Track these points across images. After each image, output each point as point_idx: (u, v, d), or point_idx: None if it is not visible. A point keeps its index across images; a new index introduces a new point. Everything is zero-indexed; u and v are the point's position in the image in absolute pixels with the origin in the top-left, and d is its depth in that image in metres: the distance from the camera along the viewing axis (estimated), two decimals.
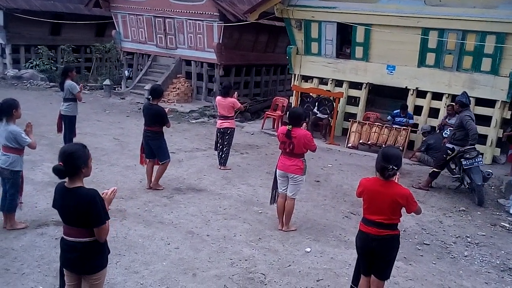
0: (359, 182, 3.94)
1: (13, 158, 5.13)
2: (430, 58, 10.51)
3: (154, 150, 6.80)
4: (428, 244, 5.82)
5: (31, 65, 18.22)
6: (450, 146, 7.80)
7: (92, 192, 3.05)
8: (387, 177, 3.68)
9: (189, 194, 6.88)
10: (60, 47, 19.11)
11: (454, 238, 6.08)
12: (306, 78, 12.41)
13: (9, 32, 18.25)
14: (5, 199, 5.22)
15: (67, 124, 8.08)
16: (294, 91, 12.07)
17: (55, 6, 18.96)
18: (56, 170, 2.99)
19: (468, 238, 6.10)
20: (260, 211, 6.39)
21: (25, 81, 16.85)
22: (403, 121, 10.57)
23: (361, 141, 10.59)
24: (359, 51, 11.34)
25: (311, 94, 11.83)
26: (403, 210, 3.77)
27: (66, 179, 3.07)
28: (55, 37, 19.63)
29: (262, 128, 12.16)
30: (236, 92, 8.53)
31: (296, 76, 12.36)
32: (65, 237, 3.14)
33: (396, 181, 3.75)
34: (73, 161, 3.02)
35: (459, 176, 7.95)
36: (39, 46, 18.47)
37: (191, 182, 7.44)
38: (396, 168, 3.64)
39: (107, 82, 16.01)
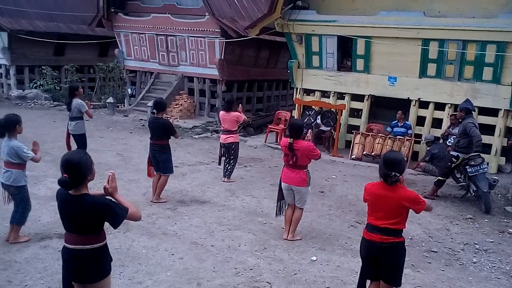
0: (364, 187, 3.90)
1: (16, 174, 5.13)
2: (431, 68, 10.54)
3: (160, 163, 6.81)
4: (436, 252, 5.74)
5: (35, 85, 18.40)
6: (455, 153, 7.76)
7: (99, 199, 3.00)
8: (390, 184, 3.62)
9: (192, 206, 6.84)
10: (64, 67, 19.34)
11: (462, 245, 6.00)
12: (308, 92, 12.44)
13: (14, 53, 18.49)
14: (16, 212, 5.22)
15: (79, 143, 8.06)
16: (297, 104, 12.10)
17: (59, 27, 19.24)
18: (62, 183, 2.91)
19: (476, 245, 6.02)
20: (264, 222, 6.33)
21: (29, 101, 16.99)
22: (403, 131, 10.57)
23: (364, 152, 10.57)
24: (360, 63, 11.39)
25: (313, 107, 11.86)
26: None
27: None
28: (59, 57, 19.85)
29: (265, 142, 12.16)
30: (240, 105, 8.57)
31: (298, 89, 12.40)
32: (67, 245, 3.07)
33: (402, 181, 3.68)
34: (78, 171, 2.94)
35: (465, 184, 7.88)
36: (43, 67, 18.68)
37: (194, 195, 7.41)
38: (398, 175, 3.58)
39: (110, 100, 16.12)
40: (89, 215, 2.96)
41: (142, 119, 14.61)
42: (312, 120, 11.57)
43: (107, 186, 3.06)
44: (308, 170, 5.60)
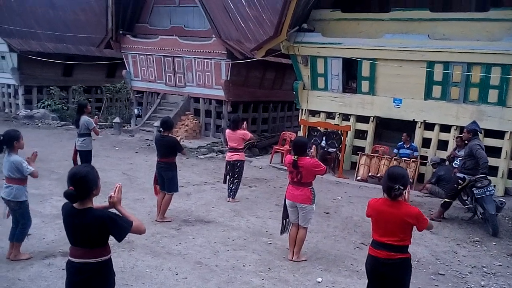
0: (368, 203, 3.88)
1: (16, 190, 5.14)
2: (436, 90, 10.58)
3: (166, 181, 6.82)
4: (443, 274, 5.65)
5: (43, 105, 18.61)
6: (461, 175, 7.71)
7: (104, 212, 3.01)
8: (393, 197, 3.61)
9: (197, 225, 6.81)
10: (72, 87, 19.60)
11: (469, 268, 5.91)
12: (313, 113, 12.49)
13: (23, 73, 18.79)
14: (15, 229, 5.21)
15: (83, 158, 8.15)
16: (302, 125, 12.14)
17: (68, 49, 19.59)
18: (68, 195, 2.95)
19: (484, 268, 5.92)
20: (269, 242, 6.28)
21: (36, 121, 17.16)
22: (409, 153, 10.55)
23: (370, 174, 10.54)
24: (365, 85, 11.46)
25: (318, 128, 11.88)
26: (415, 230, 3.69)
27: None
28: (67, 78, 20.16)
29: (270, 163, 12.15)
30: (245, 123, 8.62)
31: (303, 110, 12.46)
32: (72, 259, 3.07)
33: (406, 198, 3.68)
34: (85, 185, 2.98)
35: (472, 206, 7.80)
36: (51, 87, 18.94)
37: (199, 214, 7.38)
38: (402, 188, 3.58)
39: (116, 119, 16.25)
40: (93, 229, 2.97)
41: (148, 139, 14.69)
42: (318, 141, 11.58)
43: (113, 195, 3.07)
44: (313, 188, 5.58)
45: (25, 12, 19.26)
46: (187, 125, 15.36)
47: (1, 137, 5.10)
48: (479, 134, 7.96)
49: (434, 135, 10.81)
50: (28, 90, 19.36)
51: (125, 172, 10.05)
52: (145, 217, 7.04)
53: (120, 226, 2.98)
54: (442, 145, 10.77)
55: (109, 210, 3.09)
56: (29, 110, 18.32)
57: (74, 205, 3.02)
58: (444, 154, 10.44)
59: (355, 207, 8.46)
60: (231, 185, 8.27)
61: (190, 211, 7.54)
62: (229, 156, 8.31)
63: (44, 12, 20.04)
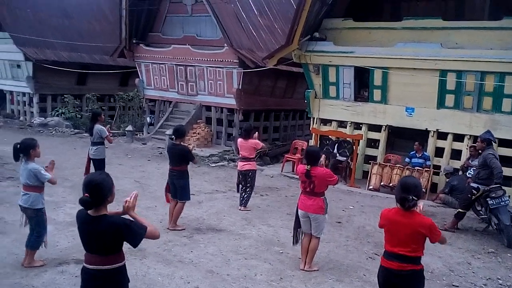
0: (380, 213, 3.86)
1: (34, 197, 5.20)
2: (450, 99, 10.50)
3: (177, 189, 6.85)
4: (457, 286, 5.57)
5: (57, 113, 18.86)
6: (475, 185, 7.63)
7: (118, 219, 3.05)
8: (407, 208, 3.59)
9: (209, 234, 6.82)
10: (85, 96, 19.83)
11: (484, 280, 5.82)
12: (324, 121, 12.48)
13: (38, 82, 19.08)
14: (32, 236, 5.26)
15: (97, 167, 8.24)
16: (313, 134, 12.13)
17: (82, 57, 19.88)
18: (84, 202, 3.00)
19: (499, 280, 5.83)
20: (281, 251, 6.26)
21: (50, 128, 17.38)
22: (421, 162, 10.46)
23: (382, 183, 10.47)
24: (377, 94, 11.43)
25: (330, 136, 11.86)
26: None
27: None
28: (81, 86, 20.44)
29: (281, 171, 12.14)
30: (257, 132, 8.64)
31: (315, 119, 12.45)
32: (86, 265, 3.12)
33: (421, 209, 3.65)
34: (100, 192, 3.03)
35: (486, 217, 7.70)
36: (65, 95, 19.20)
37: (211, 223, 7.39)
38: (416, 199, 3.56)
39: (129, 128, 16.40)
40: (108, 235, 3.01)
41: (160, 147, 14.79)
42: (331, 150, 11.55)
43: (129, 200, 3.11)
44: (325, 198, 5.56)
45: (41, 22, 19.62)
46: (198, 134, 15.44)
47: (18, 146, 5.17)
48: (493, 143, 7.88)
49: (447, 144, 10.71)
50: (42, 98, 19.65)
51: (138, 180, 10.13)
52: (157, 225, 7.04)
53: (135, 232, 3.02)
54: (455, 154, 10.67)
55: (123, 216, 3.12)
56: (43, 118, 18.60)
57: (89, 212, 3.07)
58: (457, 164, 10.34)
59: (367, 216, 8.40)
60: (243, 193, 8.28)
61: (202, 219, 7.56)
62: (241, 165, 8.32)
63: (60, 22, 20.39)
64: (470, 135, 10.29)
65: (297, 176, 5.77)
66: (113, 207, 3.31)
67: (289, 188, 10.34)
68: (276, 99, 16.63)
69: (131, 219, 3.09)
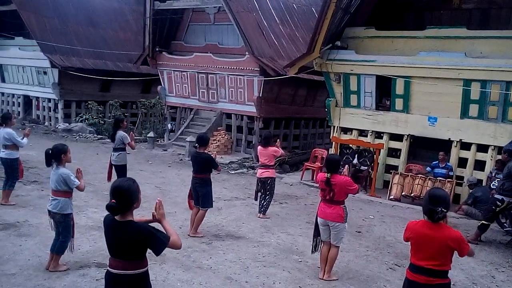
0: (406, 226, 3.80)
1: (63, 202, 5.30)
2: (473, 109, 10.33)
3: (200, 196, 6.89)
4: None
5: (81, 119, 19.25)
6: (499, 197, 7.46)
7: (143, 226, 3.09)
8: (436, 220, 3.52)
9: (228, 241, 6.84)
10: (109, 102, 20.23)
11: None
12: (345, 130, 12.41)
13: (63, 88, 19.54)
14: (57, 241, 5.36)
15: (118, 173, 8.35)
16: (334, 142, 12.07)
17: (106, 65, 20.30)
18: (110, 208, 3.05)
19: None
20: (300, 260, 6.23)
21: (74, 134, 17.74)
22: (444, 172, 10.29)
23: (403, 193, 10.33)
24: (399, 103, 11.32)
25: (350, 145, 11.79)
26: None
27: None
28: (104, 93, 20.84)
29: (301, 180, 12.11)
30: (278, 140, 8.65)
31: (335, 127, 12.40)
32: (111, 269, 3.16)
33: (446, 221, 3.59)
34: (126, 198, 3.08)
35: (510, 229, 7.52)
36: (89, 102, 19.60)
37: (230, 230, 7.41)
38: (445, 211, 3.50)
39: (150, 134, 16.62)
40: (133, 241, 3.06)
41: (180, 154, 14.93)
42: (351, 159, 11.47)
43: (155, 214, 3.17)
44: (345, 206, 5.53)
45: (67, 30, 20.11)
46: (218, 141, 15.53)
47: (50, 151, 5.28)
48: None
49: (470, 155, 10.52)
50: (67, 104, 20.09)
51: (158, 186, 10.23)
52: (176, 230, 7.06)
53: (158, 241, 3.06)
54: (479, 165, 10.46)
55: (150, 224, 3.17)
56: (67, 124, 19.00)
57: (116, 217, 3.12)
58: (481, 175, 10.13)
59: (387, 226, 8.30)
60: (263, 201, 8.29)
61: (221, 226, 7.59)
62: (260, 173, 8.34)
63: (85, 30, 20.87)
64: (495, 146, 10.09)
65: (317, 185, 5.74)
66: (135, 212, 3.36)
67: (308, 197, 10.30)
68: (296, 107, 16.62)
69: (155, 227, 3.14)
